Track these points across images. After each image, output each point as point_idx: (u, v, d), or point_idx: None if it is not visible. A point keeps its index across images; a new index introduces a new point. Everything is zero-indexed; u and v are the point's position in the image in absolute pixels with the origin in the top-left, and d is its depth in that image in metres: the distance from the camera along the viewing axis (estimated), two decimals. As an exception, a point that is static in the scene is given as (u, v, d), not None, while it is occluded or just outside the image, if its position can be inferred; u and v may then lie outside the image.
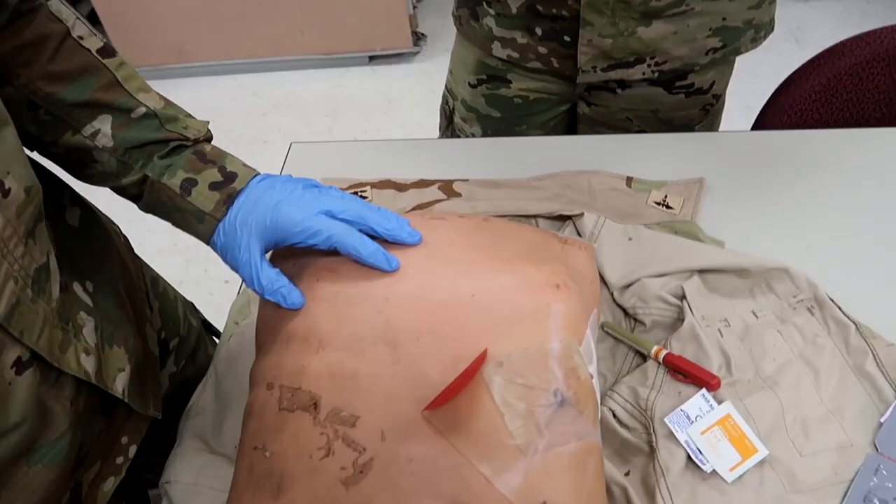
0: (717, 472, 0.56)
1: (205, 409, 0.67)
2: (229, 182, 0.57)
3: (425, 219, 0.63)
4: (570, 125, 1.10)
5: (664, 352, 0.63)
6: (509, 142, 0.97)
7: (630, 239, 0.74)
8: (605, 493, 0.52)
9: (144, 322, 0.70)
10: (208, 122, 0.63)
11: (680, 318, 0.67)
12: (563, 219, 0.79)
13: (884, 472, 0.57)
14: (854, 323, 0.65)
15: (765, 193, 0.83)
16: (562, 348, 0.53)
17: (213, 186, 0.57)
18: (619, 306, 0.71)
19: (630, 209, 0.80)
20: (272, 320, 0.59)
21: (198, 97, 2.64)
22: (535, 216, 0.80)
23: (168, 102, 0.61)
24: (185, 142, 0.58)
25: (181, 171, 0.57)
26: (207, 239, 0.58)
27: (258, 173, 0.59)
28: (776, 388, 0.62)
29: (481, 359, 0.51)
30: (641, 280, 0.70)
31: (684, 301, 0.67)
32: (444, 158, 0.93)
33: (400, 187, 0.87)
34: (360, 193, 0.86)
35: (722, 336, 0.65)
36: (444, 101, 1.13)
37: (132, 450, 0.63)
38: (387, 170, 0.90)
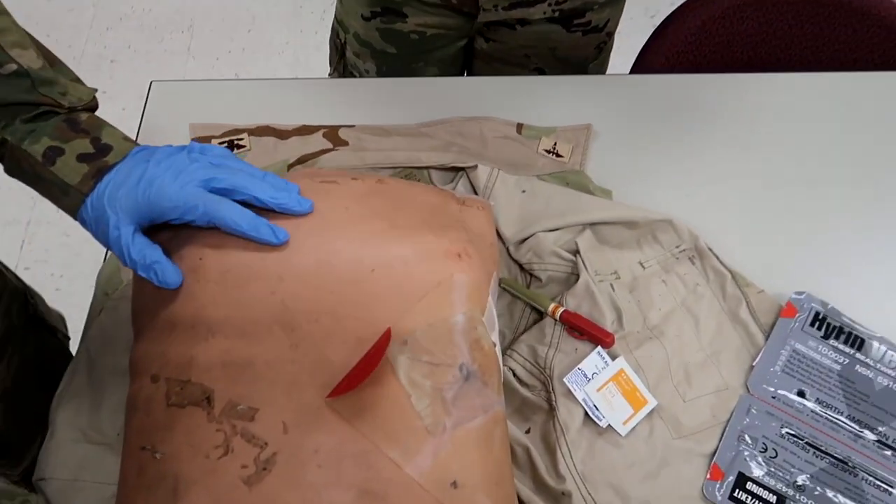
0: (612, 427, 0.58)
1: (78, 394, 0.61)
2: (102, 155, 0.51)
3: (316, 183, 0.58)
4: (467, 59, 1.07)
5: (560, 309, 0.64)
6: (401, 83, 0.92)
7: (524, 191, 0.74)
8: (510, 461, 0.53)
9: None
10: (95, 90, 0.55)
11: (574, 273, 0.68)
12: (455, 170, 0.77)
13: (754, 411, 0.62)
14: (730, 272, 0.69)
15: (647, 139, 0.84)
16: (466, 320, 0.52)
17: (82, 158, 0.51)
18: (516, 261, 0.71)
19: (522, 158, 0.79)
20: (151, 301, 0.53)
21: (29, 8, 2.31)
22: (427, 167, 0.77)
23: (51, 64, 0.54)
24: (58, 108, 0.52)
25: (46, 139, 0.50)
26: (74, 213, 0.52)
27: (137, 145, 0.53)
28: (662, 337, 0.66)
29: (385, 339, 0.49)
30: (536, 235, 0.70)
31: (578, 256, 0.68)
32: (329, 100, 0.87)
33: (281, 134, 0.81)
34: (235, 142, 0.79)
35: (614, 290, 0.67)
36: (335, 34, 1.05)
37: None
38: (267, 113, 0.83)
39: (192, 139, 0.79)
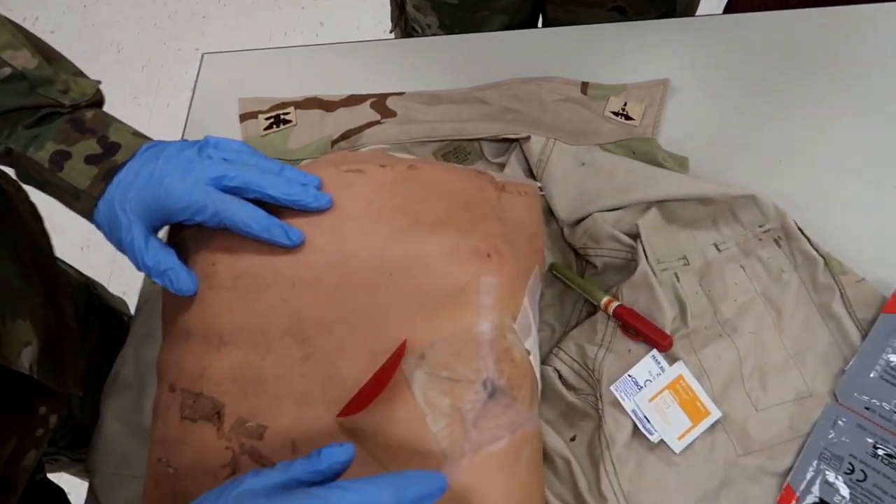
0: (665, 442, 0.52)
1: (124, 387, 0.62)
2: (110, 154, 0.49)
3: (341, 172, 0.54)
4: (538, 4, 0.98)
5: (615, 304, 0.57)
6: (461, 40, 0.84)
7: (583, 164, 0.66)
8: (542, 480, 0.49)
9: (57, 293, 0.63)
10: (98, 83, 0.53)
11: (634, 259, 0.61)
12: (508, 141, 0.70)
13: (841, 424, 0.54)
14: (823, 256, 0.59)
15: (734, 94, 0.73)
16: (493, 329, 0.47)
17: (90, 160, 0.49)
18: (570, 245, 0.64)
19: (584, 124, 0.71)
20: (170, 305, 0.52)
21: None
22: (477, 139, 0.71)
23: (48, 60, 0.52)
24: (60, 108, 0.50)
25: (51, 143, 0.49)
26: (90, 217, 0.51)
27: (148, 141, 0.51)
28: (734, 334, 0.58)
29: (400, 353, 0.45)
30: (593, 215, 0.63)
31: (638, 241, 0.60)
32: (387, 64, 0.81)
33: (328, 106, 0.77)
34: (282, 116, 0.76)
35: (678, 280, 0.60)
36: None
37: (53, 419, 0.59)
38: (320, 81, 0.79)
39: (241, 115, 0.77)
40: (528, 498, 0.46)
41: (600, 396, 0.55)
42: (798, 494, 0.51)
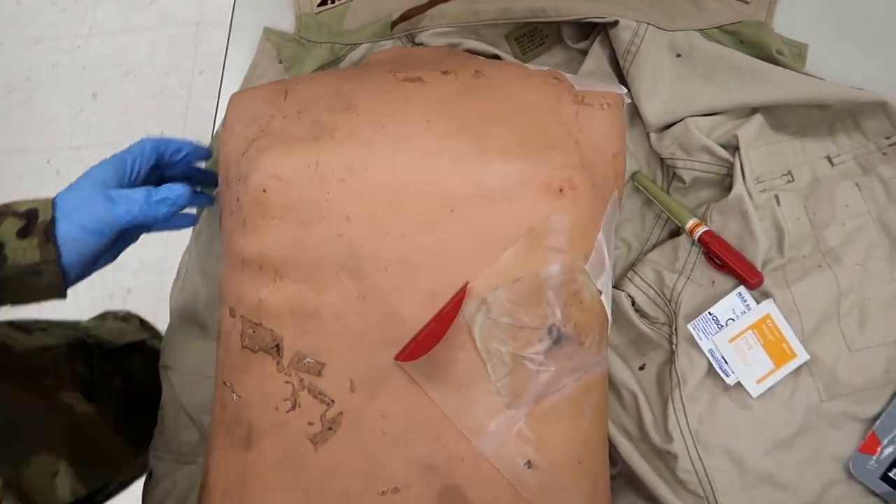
0: (741, 385, 0.49)
1: (190, 284, 0.63)
2: (34, 218, 0.45)
3: (398, 81, 0.49)
4: None
5: (701, 229, 0.52)
6: None
7: (678, 56, 0.57)
8: (605, 426, 0.47)
9: (56, 392, 0.60)
10: None
11: (728, 176, 0.54)
12: (592, 25, 0.61)
13: (947, 372, 0.49)
14: (959, 180, 0.50)
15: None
16: (562, 272, 0.44)
17: (22, 233, 0.45)
18: (657, 153, 0.57)
19: (685, 1, 0.60)
20: (227, 229, 0.50)
21: None
22: (556, 21, 0.61)
23: None
24: None
25: None
26: (62, 288, 0.48)
27: (53, 198, 0.47)
28: (837, 265, 0.51)
29: (460, 297, 0.43)
30: (686, 121, 0.55)
31: (736, 155, 0.53)
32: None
33: (390, -26, 0.68)
34: (340, -12, 0.68)
35: (779, 204, 0.53)
36: None
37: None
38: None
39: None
40: (590, 446, 0.44)
41: (675, 330, 0.51)
42: (883, 443, 0.48)
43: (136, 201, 0.47)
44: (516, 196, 0.43)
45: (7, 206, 0.47)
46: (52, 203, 0.46)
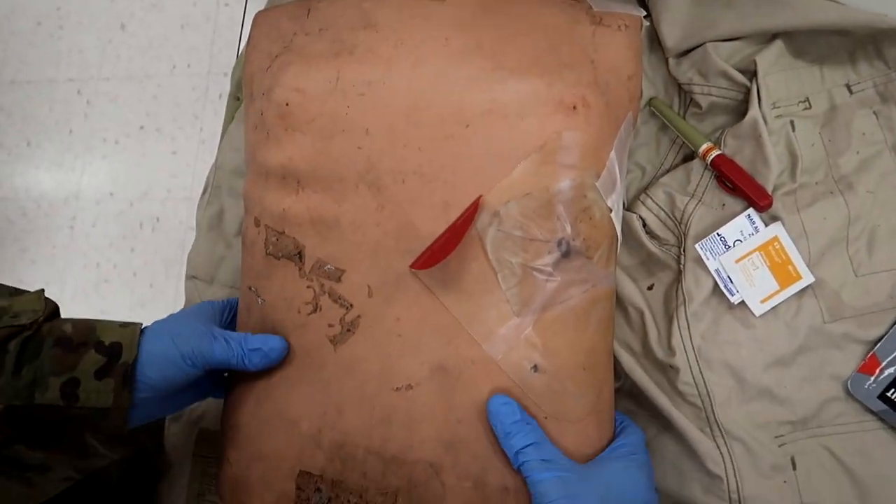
0: (745, 304, 0.51)
1: (215, 198, 0.65)
2: (115, 358, 0.43)
3: (419, -1, 0.50)
4: None
5: (714, 152, 0.52)
6: None
7: (702, -21, 0.56)
8: (611, 338, 0.49)
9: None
10: (42, 291, 0.47)
11: (745, 101, 0.54)
12: (617, -53, 0.60)
13: (950, 298, 0.50)
14: (979, 108, 0.50)
15: None
16: (572, 188, 0.45)
17: (100, 374, 0.42)
18: (674, 79, 0.58)
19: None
20: (251, 141, 0.52)
21: None
22: (581, -56, 0.61)
23: None
24: (24, 330, 0.43)
25: (53, 379, 0.42)
26: (123, 428, 0.45)
27: (137, 324, 0.46)
28: (848, 192, 0.52)
29: (473, 209, 0.45)
30: (705, 46, 0.55)
31: (754, 81, 0.53)
32: None
33: None
34: None
35: (794, 130, 0.53)
36: None
37: None
38: None
39: None
40: (595, 355, 0.47)
41: (684, 251, 0.53)
42: (883, 364, 0.50)
43: (237, 343, 0.47)
44: (530, 112, 0.45)
45: (92, 329, 0.44)
46: (139, 340, 0.44)
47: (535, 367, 0.45)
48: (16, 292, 0.46)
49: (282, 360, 0.48)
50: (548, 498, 0.40)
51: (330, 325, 0.47)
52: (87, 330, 0.44)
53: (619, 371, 0.53)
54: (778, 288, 0.50)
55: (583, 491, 0.41)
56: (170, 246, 1.32)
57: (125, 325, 0.45)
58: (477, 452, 0.44)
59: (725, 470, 0.49)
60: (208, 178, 0.67)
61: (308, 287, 0.48)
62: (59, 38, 1.62)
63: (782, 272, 0.50)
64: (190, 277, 0.64)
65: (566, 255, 0.45)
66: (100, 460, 0.49)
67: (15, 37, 1.64)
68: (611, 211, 0.47)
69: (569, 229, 0.45)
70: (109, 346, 0.43)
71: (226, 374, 0.52)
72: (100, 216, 1.37)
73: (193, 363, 0.45)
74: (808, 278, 0.50)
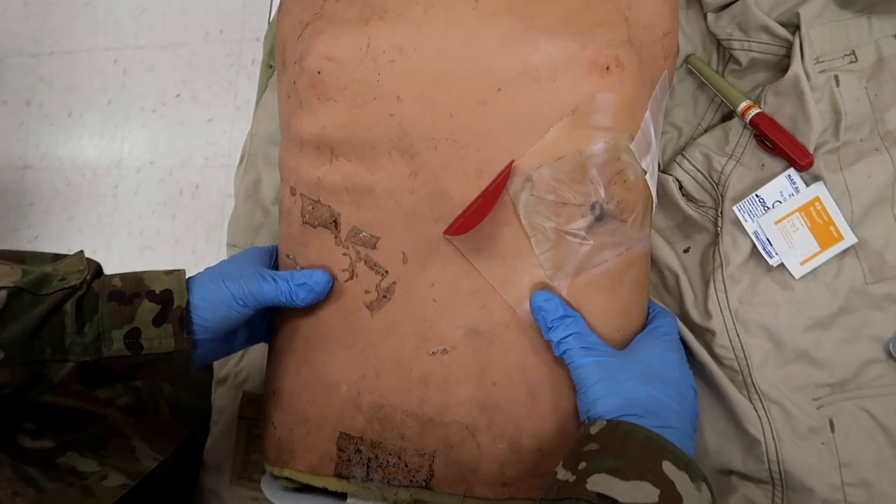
0: (784, 266, 0.50)
1: (251, 167, 0.66)
2: (169, 304, 0.45)
3: (447, -40, 0.49)
4: None
5: (754, 110, 0.51)
6: None
7: (742, -71, 0.54)
8: (646, 299, 0.49)
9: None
10: (81, 252, 0.48)
11: (787, 57, 0.52)
12: None
13: None
14: None
15: None
16: (606, 151, 0.45)
17: (157, 321, 0.45)
18: (713, 35, 0.56)
19: None
20: (284, 110, 0.53)
21: None
22: None
23: (21, 260, 0.47)
24: (76, 290, 0.44)
25: (115, 332, 0.44)
26: (188, 368, 0.47)
27: (184, 271, 0.47)
28: (895, 149, 0.50)
29: (506, 175, 0.45)
30: (746, -1, 0.53)
31: (796, 35, 0.51)
32: None
33: None
34: None
35: (837, 85, 0.51)
36: None
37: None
38: None
39: None
40: (629, 317, 0.47)
41: (721, 213, 0.52)
42: (926, 325, 0.49)
43: (283, 280, 0.48)
44: (562, 74, 0.44)
45: (140, 280, 0.46)
46: (186, 284, 0.46)
47: (569, 332, 0.45)
48: (56, 257, 0.48)
49: (327, 294, 0.49)
50: (590, 381, 0.42)
51: (366, 292, 0.48)
52: (136, 281, 0.46)
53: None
54: (818, 249, 0.49)
55: (622, 372, 0.42)
56: (209, 212, 1.35)
57: (170, 273, 0.47)
58: (511, 414, 0.44)
59: (763, 432, 0.49)
60: (244, 147, 0.68)
61: (344, 254, 0.49)
62: (95, 6, 1.64)
63: (823, 233, 0.49)
64: (230, 245, 0.66)
65: (600, 218, 0.45)
66: (149, 462, 0.52)
67: (53, 8, 1.66)
68: (645, 173, 0.47)
69: (602, 192, 0.45)
70: (161, 294, 0.45)
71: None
72: (141, 184, 1.41)
73: (245, 303, 0.47)
74: (850, 239, 0.49)
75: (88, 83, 1.58)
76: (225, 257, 0.67)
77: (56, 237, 1.46)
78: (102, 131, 1.49)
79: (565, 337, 0.43)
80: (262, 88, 0.68)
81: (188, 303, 0.45)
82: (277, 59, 0.54)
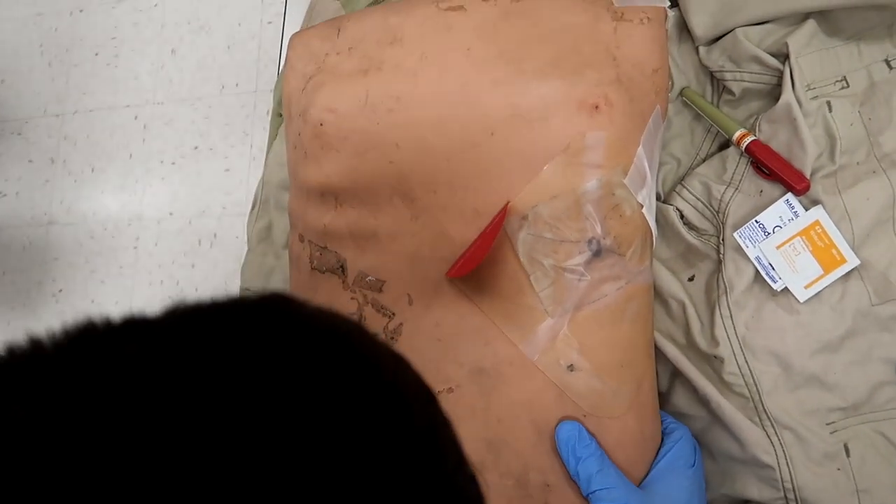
0: (789, 290, 0.50)
1: (264, 213, 0.68)
2: None
3: (441, 10, 0.51)
4: None
5: (749, 138, 0.52)
6: None
7: (727, -35, 0.56)
8: (650, 331, 0.49)
9: None
10: None
11: (778, 85, 0.53)
12: (639, -61, 0.60)
13: None
14: None
15: None
16: (599, 187, 0.46)
17: None
18: (706, 67, 0.57)
19: None
20: (291, 160, 0.55)
21: None
22: (602, -61, 0.61)
23: None
24: None
25: None
26: None
27: None
28: (892, 170, 0.51)
29: (502, 215, 0.46)
30: (734, 32, 0.54)
31: (787, 64, 0.52)
32: None
33: None
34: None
35: (831, 110, 0.52)
36: None
37: None
38: None
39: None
40: (632, 351, 0.47)
41: (723, 240, 0.52)
42: (936, 345, 0.48)
43: None
44: (553, 115, 0.45)
45: None
46: None
47: (572, 367, 0.45)
48: None
49: None
50: None
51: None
52: None
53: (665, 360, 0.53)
54: (822, 272, 0.49)
55: None
56: (227, 260, 1.38)
57: None
58: (518, 450, 0.45)
59: (777, 459, 0.48)
60: (256, 193, 0.70)
61: (352, 298, 0.50)
62: (115, 66, 1.70)
63: (825, 256, 0.49)
64: (243, 289, 0.67)
65: (597, 253, 0.46)
66: None
67: (76, 68, 1.73)
68: (642, 206, 0.48)
69: (598, 228, 0.46)
70: None
71: None
72: (161, 235, 1.44)
73: None
74: (852, 261, 0.49)
75: (110, 139, 1.63)
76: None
77: (80, 290, 1.50)
78: (124, 185, 1.53)
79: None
80: (273, 136, 0.70)
81: None
82: (284, 112, 0.56)
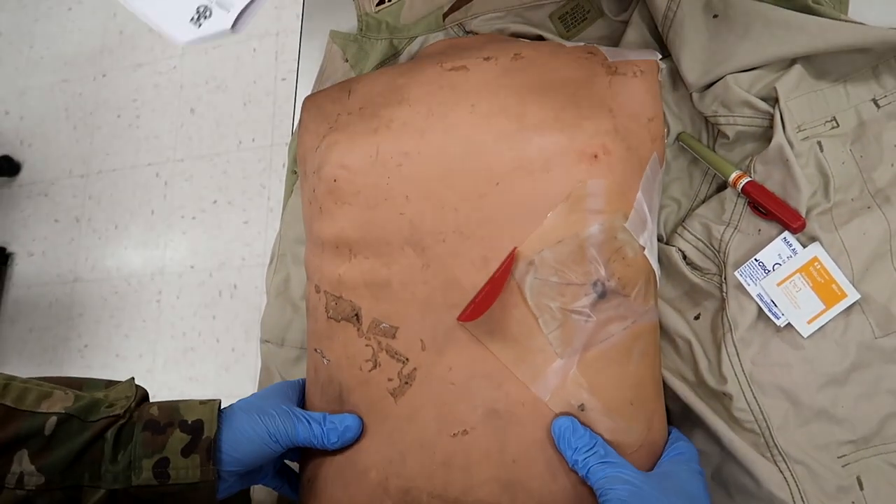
0: (792, 326, 0.51)
1: (282, 266, 0.71)
2: (198, 434, 0.47)
3: (445, 71, 0.54)
4: None
5: (744, 180, 0.54)
6: None
7: (715, 16, 0.59)
8: (657, 369, 0.51)
9: None
10: (132, 379, 0.52)
11: (771, 127, 0.55)
12: (630, -4, 0.63)
13: None
14: None
15: None
16: (602, 232, 0.48)
17: (186, 451, 0.46)
18: (700, 112, 0.60)
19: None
20: (307, 215, 0.57)
21: None
22: (596, -4, 0.65)
23: (78, 387, 0.49)
24: (119, 419, 0.47)
25: (146, 461, 0.46)
26: (214, 498, 0.48)
27: (216, 401, 0.50)
28: (886, 205, 0.52)
29: (510, 261, 0.48)
30: (725, 79, 0.57)
31: (776, 108, 0.54)
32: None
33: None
34: (394, -11, 0.74)
35: (822, 150, 0.54)
36: None
37: None
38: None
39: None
40: (641, 388, 0.48)
41: (725, 278, 0.54)
42: (942, 375, 0.49)
43: (317, 423, 0.50)
44: (554, 165, 0.48)
45: (175, 409, 0.48)
46: (218, 415, 0.48)
47: (582, 406, 0.47)
48: (109, 384, 0.51)
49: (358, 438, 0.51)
50: None
51: (389, 380, 0.51)
52: (172, 410, 0.48)
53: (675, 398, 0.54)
54: (823, 307, 0.51)
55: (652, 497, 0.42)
56: (248, 311, 1.40)
57: (204, 402, 0.49)
58: (533, 490, 0.46)
59: (791, 494, 0.49)
60: (273, 247, 0.73)
61: (367, 345, 0.52)
62: (137, 127, 1.77)
63: (826, 291, 0.51)
64: (263, 341, 0.70)
65: (602, 295, 0.48)
66: None
67: (99, 130, 1.80)
68: (644, 248, 0.50)
69: (602, 271, 0.47)
70: (192, 424, 0.47)
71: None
72: (183, 288, 1.48)
73: (278, 441, 0.49)
74: (853, 295, 0.50)
75: (132, 197, 1.69)
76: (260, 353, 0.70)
77: (104, 344, 1.53)
78: (146, 241, 1.58)
79: (590, 460, 0.44)
80: (289, 193, 0.73)
81: (217, 434, 0.47)
82: (300, 170, 0.59)
